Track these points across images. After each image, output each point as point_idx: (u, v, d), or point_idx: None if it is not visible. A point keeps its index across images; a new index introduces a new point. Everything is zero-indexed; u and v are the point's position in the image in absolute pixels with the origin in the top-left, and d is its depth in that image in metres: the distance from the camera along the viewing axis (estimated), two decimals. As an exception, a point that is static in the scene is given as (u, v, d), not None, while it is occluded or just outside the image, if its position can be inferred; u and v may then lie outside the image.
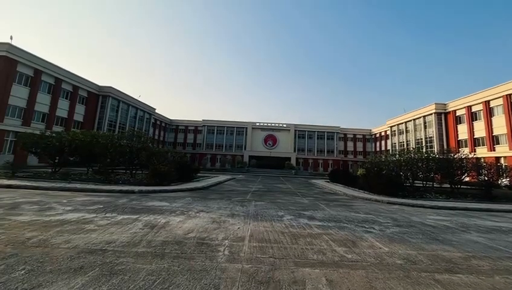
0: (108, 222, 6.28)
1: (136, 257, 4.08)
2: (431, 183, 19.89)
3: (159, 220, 6.69)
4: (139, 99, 48.56)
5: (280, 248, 4.93)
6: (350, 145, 65.89)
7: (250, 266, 3.97)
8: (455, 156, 18.40)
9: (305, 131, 63.89)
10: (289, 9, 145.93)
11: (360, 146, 66.17)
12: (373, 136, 65.35)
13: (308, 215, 8.50)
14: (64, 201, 8.85)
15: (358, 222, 7.74)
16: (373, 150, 63.84)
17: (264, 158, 57.54)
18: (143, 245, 4.67)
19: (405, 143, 49.38)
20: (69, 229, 5.47)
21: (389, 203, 12.81)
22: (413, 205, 12.20)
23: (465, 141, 37.53)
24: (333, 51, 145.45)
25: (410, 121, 48.02)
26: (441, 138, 41.10)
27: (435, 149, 38.89)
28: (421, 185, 19.58)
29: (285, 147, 61.92)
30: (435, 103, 41.56)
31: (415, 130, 46.86)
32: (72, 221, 6.15)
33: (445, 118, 41.33)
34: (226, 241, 5.21)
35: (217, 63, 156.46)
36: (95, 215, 6.93)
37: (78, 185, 12.60)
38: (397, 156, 22.69)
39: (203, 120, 63.73)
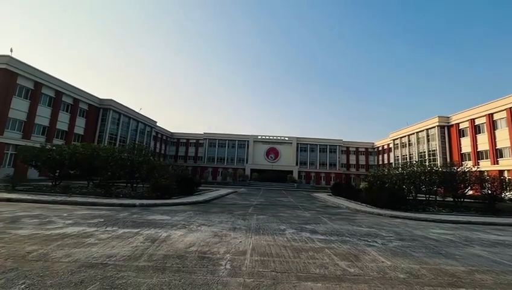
0: (109, 235, 6.26)
1: (137, 271, 4.05)
2: (434, 196, 19.71)
3: (160, 234, 6.66)
4: (140, 112, 48.86)
5: (282, 262, 4.89)
6: (352, 158, 65.66)
7: (251, 280, 3.93)
8: (458, 169, 18.32)
9: (307, 144, 63.80)
10: (290, 21, 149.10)
11: (362, 159, 65.91)
12: (375, 150, 65.20)
13: (310, 229, 8.43)
14: (65, 215, 8.84)
15: (361, 236, 7.66)
16: (376, 163, 63.53)
17: (266, 171, 57.18)
18: (144, 259, 4.65)
19: (408, 156, 49.20)
20: (69, 243, 5.46)
21: (391, 216, 12.68)
22: (416, 219, 12.07)
23: (469, 154, 37.38)
24: (334, 63, 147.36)
25: (413, 134, 47.99)
26: (444, 151, 40.99)
27: (438, 162, 38.57)
28: (424, 198, 19.40)
29: (287, 160, 61.72)
30: (438, 116, 41.73)
31: (418, 143, 46.80)
32: (73, 235, 6.14)
33: (448, 131, 41.37)
34: (228, 255, 5.17)
35: (217, 75, 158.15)
36: (95, 229, 6.91)
37: (79, 199, 12.60)
38: (400, 169, 22.58)
39: (204, 133, 63.99)
